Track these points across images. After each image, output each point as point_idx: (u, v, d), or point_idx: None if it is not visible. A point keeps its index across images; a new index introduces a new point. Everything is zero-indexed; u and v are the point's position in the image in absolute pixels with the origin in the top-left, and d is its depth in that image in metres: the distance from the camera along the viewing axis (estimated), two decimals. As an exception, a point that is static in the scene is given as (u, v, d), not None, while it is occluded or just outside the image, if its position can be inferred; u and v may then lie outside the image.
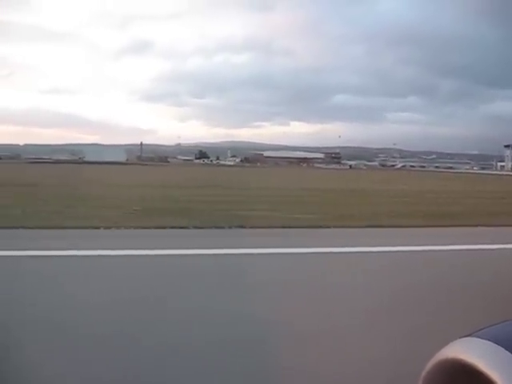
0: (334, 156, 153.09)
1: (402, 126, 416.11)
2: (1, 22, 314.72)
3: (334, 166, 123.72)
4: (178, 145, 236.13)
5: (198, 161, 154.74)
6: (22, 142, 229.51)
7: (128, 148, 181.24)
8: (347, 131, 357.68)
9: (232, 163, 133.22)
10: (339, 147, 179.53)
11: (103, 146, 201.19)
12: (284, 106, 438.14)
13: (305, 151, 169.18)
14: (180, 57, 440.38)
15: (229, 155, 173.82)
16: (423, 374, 0.73)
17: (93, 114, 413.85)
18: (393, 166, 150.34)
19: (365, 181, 41.58)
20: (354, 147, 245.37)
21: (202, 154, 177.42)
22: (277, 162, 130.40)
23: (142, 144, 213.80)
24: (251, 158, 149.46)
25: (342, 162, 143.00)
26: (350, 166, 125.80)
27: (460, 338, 0.70)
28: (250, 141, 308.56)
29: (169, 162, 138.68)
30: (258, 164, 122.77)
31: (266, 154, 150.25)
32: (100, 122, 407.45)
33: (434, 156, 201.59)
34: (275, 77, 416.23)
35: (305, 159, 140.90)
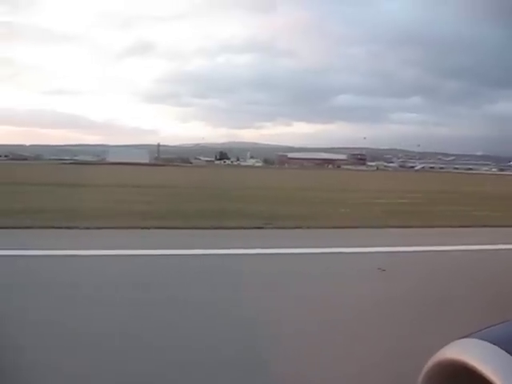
0: (359, 157, 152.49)
1: (405, 126, 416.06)
2: (5, 24, 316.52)
3: (361, 167, 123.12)
4: (197, 145, 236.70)
5: (218, 162, 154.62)
6: (27, 143, 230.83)
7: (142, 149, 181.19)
8: (350, 132, 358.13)
9: (260, 164, 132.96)
10: (346, 148, 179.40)
11: (123, 147, 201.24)
12: (287, 106, 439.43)
13: (320, 152, 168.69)
14: (183, 58, 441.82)
15: (248, 156, 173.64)
16: (422, 374, 0.74)
17: (96, 114, 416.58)
18: (412, 167, 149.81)
19: (425, 182, 41.95)
20: (360, 148, 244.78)
21: (222, 154, 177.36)
22: (301, 163, 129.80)
23: (159, 145, 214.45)
24: (276, 159, 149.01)
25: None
26: (377, 168, 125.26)
27: (458, 338, 0.70)
28: (260, 142, 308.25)
29: (191, 163, 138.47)
30: (286, 165, 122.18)
31: (290, 155, 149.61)
32: (103, 122, 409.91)
33: (453, 157, 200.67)
34: (278, 77, 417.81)
35: (329, 160, 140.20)
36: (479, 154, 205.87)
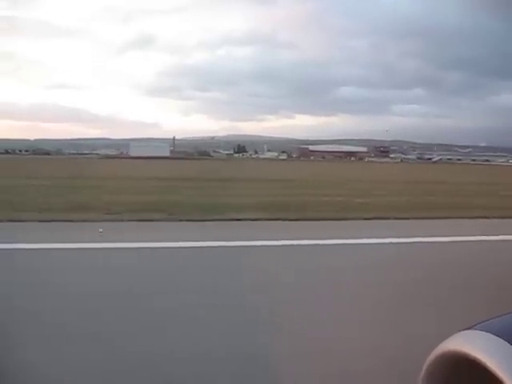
0: (382, 150, 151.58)
1: (408, 118, 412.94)
2: (6, 18, 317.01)
3: (384, 159, 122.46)
4: (213, 138, 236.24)
5: (237, 155, 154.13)
6: (32, 137, 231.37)
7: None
8: (353, 124, 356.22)
9: (285, 157, 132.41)
10: (353, 140, 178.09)
11: (143, 140, 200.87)
12: (289, 99, 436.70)
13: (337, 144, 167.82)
14: (184, 51, 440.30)
15: (265, 149, 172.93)
16: (425, 366, 0.74)
17: (98, 108, 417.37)
18: (429, 159, 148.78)
19: (465, 174, 42.65)
20: (365, 140, 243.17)
21: (240, 148, 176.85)
22: (323, 155, 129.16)
23: (174, 138, 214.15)
24: (298, 152, 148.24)
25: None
26: (401, 160, 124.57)
27: (461, 330, 0.71)
28: (263, 134, 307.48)
29: (212, 156, 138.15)
30: (312, 158, 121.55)
31: (311, 148, 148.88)
32: (105, 116, 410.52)
33: (469, 149, 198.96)
34: (279, 70, 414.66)
35: (351, 153, 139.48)
36: (483, 145, 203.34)
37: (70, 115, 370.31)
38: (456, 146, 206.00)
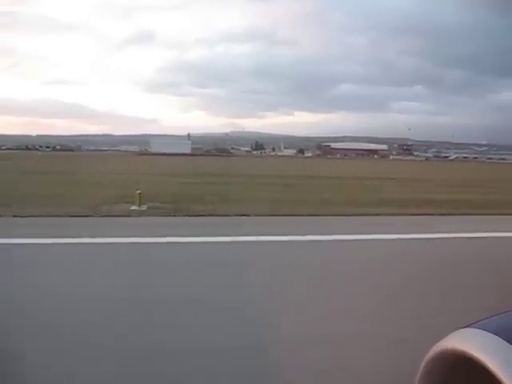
0: (405, 148, 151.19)
1: (408, 115, 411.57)
2: (6, 13, 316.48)
3: (409, 157, 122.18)
4: (227, 134, 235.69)
5: (255, 152, 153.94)
6: (33, 133, 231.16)
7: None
8: (353, 121, 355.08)
9: (310, 154, 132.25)
10: (357, 137, 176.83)
11: (163, 136, 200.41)
12: (288, 95, 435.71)
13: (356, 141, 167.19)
14: (183, 47, 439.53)
15: (282, 147, 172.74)
16: (423, 364, 0.75)
17: (98, 104, 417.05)
18: (446, 157, 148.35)
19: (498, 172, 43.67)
20: (365, 137, 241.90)
21: (258, 145, 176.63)
22: (345, 153, 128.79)
23: (189, 135, 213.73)
24: (318, 149, 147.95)
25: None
26: (426, 158, 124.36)
27: (459, 328, 0.71)
28: (263, 131, 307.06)
29: (231, 153, 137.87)
30: (338, 155, 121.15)
31: (332, 145, 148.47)
32: (105, 112, 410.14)
33: (485, 148, 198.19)
34: (279, 67, 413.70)
35: (373, 151, 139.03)
36: (483, 143, 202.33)
37: (69, 111, 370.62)
38: (471, 144, 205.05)
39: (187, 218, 10.52)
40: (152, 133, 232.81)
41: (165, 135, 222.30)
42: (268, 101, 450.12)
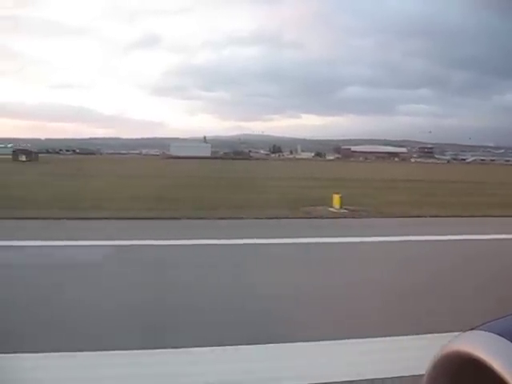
0: (426, 151, 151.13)
1: (415, 118, 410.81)
2: (12, 17, 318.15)
3: (431, 160, 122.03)
4: (239, 139, 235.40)
5: (273, 155, 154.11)
6: (42, 137, 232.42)
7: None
8: (360, 123, 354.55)
9: (332, 157, 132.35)
10: (360, 140, 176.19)
11: (183, 140, 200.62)
12: (295, 98, 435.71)
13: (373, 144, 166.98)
14: (189, 51, 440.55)
15: (299, 150, 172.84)
16: (430, 365, 0.74)
17: (105, 107, 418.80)
18: (463, 159, 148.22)
19: None
20: (373, 139, 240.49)
21: (275, 148, 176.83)
22: (365, 156, 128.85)
23: (205, 138, 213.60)
24: (338, 152, 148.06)
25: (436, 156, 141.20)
26: (448, 161, 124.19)
27: (466, 330, 0.71)
28: (271, 134, 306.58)
29: (251, 156, 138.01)
30: (361, 159, 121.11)
31: (353, 148, 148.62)
32: (111, 115, 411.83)
33: (502, 150, 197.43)
34: (285, 69, 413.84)
35: (394, 154, 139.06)
36: (491, 145, 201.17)
37: (76, 115, 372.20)
38: (488, 146, 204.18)
39: (400, 219, 10.86)
40: (160, 136, 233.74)
41: (178, 138, 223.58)
42: (275, 104, 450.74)
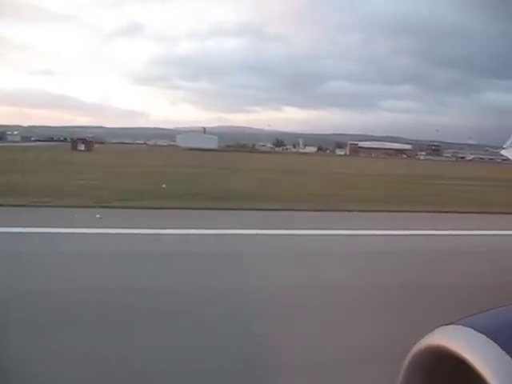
0: (433, 148, 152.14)
1: (397, 114, 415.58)
2: None
3: (438, 157, 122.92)
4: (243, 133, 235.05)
5: (277, 148, 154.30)
6: (25, 124, 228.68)
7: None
8: (342, 118, 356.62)
9: (342, 153, 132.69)
10: (344, 134, 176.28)
11: (191, 132, 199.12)
12: (278, 91, 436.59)
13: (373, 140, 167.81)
14: (172, 40, 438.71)
15: (301, 144, 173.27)
16: (406, 360, 0.74)
17: (86, 95, 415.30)
18: (462, 157, 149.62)
19: None
20: (355, 135, 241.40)
21: (278, 142, 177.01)
22: (371, 152, 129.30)
23: (205, 130, 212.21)
24: (345, 147, 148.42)
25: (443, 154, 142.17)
26: (456, 159, 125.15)
27: (443, 325, 0.71)
28: (253, 126, 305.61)
29: (257, 149, 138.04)
30: (373, 155, 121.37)
31: (360, 144, 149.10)
32: (94, 103, 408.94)
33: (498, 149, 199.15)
34: (269, 62, 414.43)
35: (401, 150, 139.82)
36: (471, 142, 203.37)
37: (58, 101, 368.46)
38: (487, 145, 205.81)
39: None
40: (144, 126, 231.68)
41: (182, 130, 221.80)
42: (257, 96, 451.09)
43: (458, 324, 0.70)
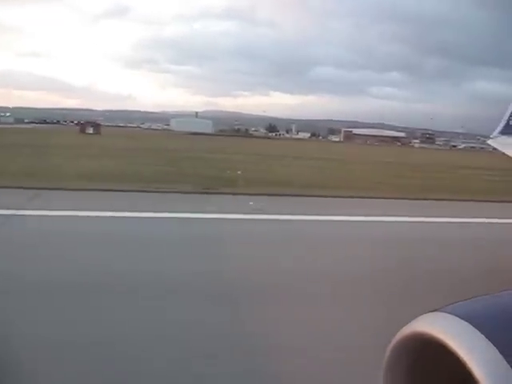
0: (427, 136, 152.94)
1: (386, 101, 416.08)
2: None
3: (433, 146, 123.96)
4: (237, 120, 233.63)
5: (271, 134, 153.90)
6: (10, 105, 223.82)
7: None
8: (331, 103, 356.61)
9: (338, 139, 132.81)
10: (335, 121, 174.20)
11: (185, 116, 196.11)
12: (266, 76, 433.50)
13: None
14: (160, 23, 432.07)
15: (293, 130, 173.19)
16: (390, 346, 0.76)
17: (74, 78, 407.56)
18: (454, 146, 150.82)
19: None
20: (347, 121, 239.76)
21: (271, 127, 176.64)
22: (366, 140, 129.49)
23: (197, 114, 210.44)
24: (338, 134, 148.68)
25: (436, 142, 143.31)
26: (450, 147, 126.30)
27: (427, 312, 0.73)
28: (241, 111, 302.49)
29: (251, 134, 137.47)
30: (364, 141, 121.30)
31: (355, 131, 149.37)
32: (81, 86, 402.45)
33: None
34: (258, 47, 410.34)
35: (396, 138, 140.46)
36: (460, 131, 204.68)
37: (45, 83, 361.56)
38: (477, 134, 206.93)
39: None
40: (133, 109, 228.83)
41: (176, 114, 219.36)
42: (245, 80, 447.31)
43: (441, 311, 0.71)
